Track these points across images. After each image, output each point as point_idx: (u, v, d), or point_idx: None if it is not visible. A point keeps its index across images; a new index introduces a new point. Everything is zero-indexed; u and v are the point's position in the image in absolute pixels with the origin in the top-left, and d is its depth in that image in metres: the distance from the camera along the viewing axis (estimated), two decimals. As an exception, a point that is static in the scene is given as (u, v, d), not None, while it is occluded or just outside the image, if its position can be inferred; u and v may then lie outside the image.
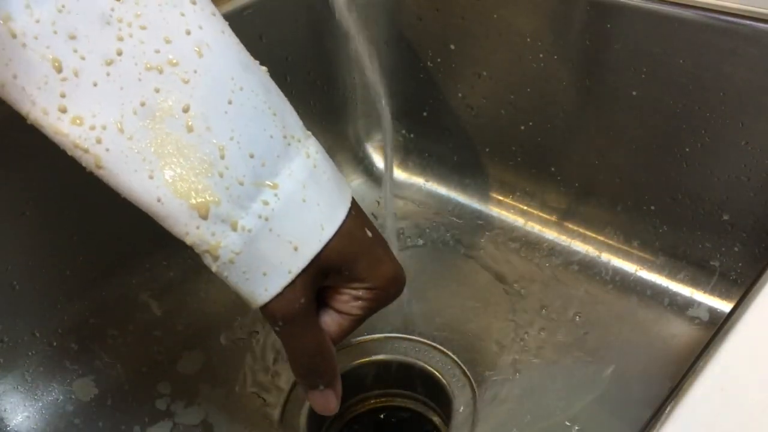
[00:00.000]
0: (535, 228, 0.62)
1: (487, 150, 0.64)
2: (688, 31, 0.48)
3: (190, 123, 0.29)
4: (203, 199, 0.29)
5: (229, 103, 0.30)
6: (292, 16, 0.60)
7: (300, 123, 0.33)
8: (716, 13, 0.47)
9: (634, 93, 0.52)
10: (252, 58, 0.32)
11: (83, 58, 0.28)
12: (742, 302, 0.29)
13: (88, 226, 0.52)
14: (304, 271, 0.32)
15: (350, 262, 0.33)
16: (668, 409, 0.25)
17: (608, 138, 0.56)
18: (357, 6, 0.63)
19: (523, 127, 0.60)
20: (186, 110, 0.29)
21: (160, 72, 0.29)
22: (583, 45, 0.53)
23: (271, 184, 0.31)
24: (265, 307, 0.32)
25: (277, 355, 0.54)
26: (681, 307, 0.55)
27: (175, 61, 0.29)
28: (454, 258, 0.61)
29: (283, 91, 0.33)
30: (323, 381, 0.36)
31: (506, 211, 0.64)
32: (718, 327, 0.28)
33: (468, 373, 0.51)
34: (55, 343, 0.51)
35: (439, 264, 0.61)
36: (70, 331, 0.52)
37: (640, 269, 0.57)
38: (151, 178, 0.29)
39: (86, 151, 0.28)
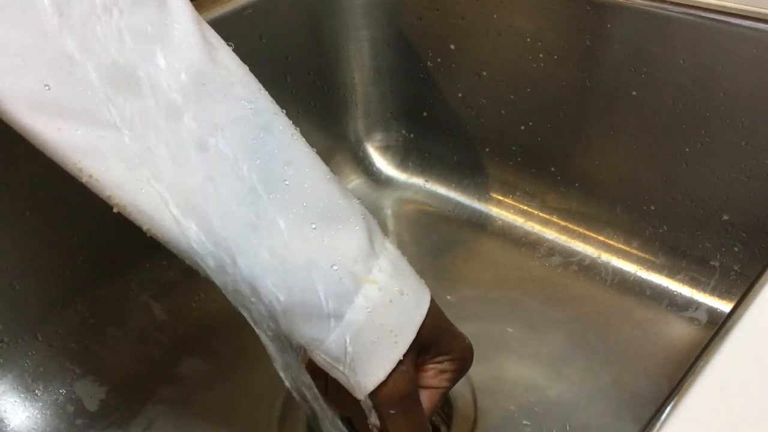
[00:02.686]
0: (535, 228, 0.62)
1: (487, 150, 0.64)
2: (688, 31, 0.48)
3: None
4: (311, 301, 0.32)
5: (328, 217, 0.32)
6: (292, 16, 0.60)
7: (375, 222, 0.35)
8: (716, 13, 0.47)
9: (634, 93, 0.52)
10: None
11: None
12: (742, 302, 0.29)
13: (88, 226, 0.52)
14: (405, 355, 0.34)
15: (437, 338, 0.36)
16: (668, 409, 0.25)
17: (608, 138, 0.56)
18: (357, 6, 0.63)
19: (523, 127, 0.60)
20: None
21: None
22: (583, 45, 0.53)
23: (369, 280, 0.33)
24: (374, 395, 0.34)
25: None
26: (681, 307, 0.55)
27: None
28: (454, 258, 0.61)
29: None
30: None
31: (506, 211, 0.64)
32: (718, 327, 0.28)
33: (468, 375, 0.51)
34: (55, 343, 0.51)
35: (439, 264, 0.61)
36: (70, 331, 0.52)
37: (640, 269, 0.57)
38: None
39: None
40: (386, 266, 0.34)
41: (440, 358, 0.37)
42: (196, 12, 0.32)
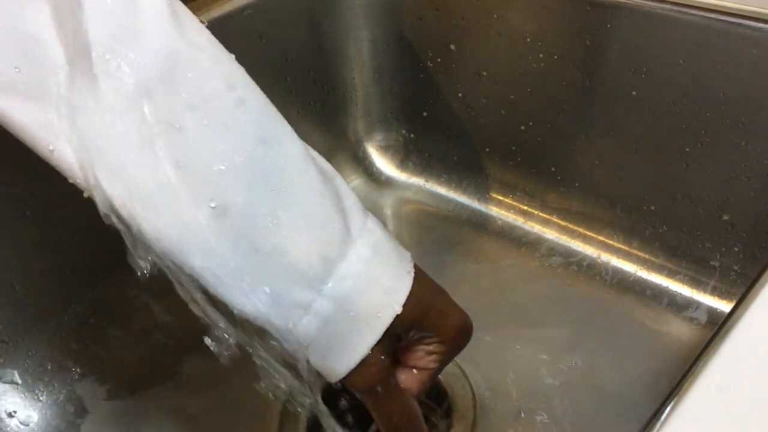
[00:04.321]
0: (535, 228, 0.62)
1: (487, 150, 0.64)
2: (688, 31, 0.48)
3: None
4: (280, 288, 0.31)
5: (299, 198, 0.31)
6: (292, 16, 0.60)
7: (358, 202, 0.34)
8: (716, 13, 0.47)
9: (634, 93, 0.52)
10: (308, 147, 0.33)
11: None
12: (742, 302, 0.29)
13: (88, 225, 0.52)
14: (380, 341, 0.33)
15: (419, 322, 0.34)
16: (668, 409, 0.25)
17: (608, 138, 0.56)
18: (357, 6, 0.63)
19: (523, 127, 0.60)
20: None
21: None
22: (583, 45, 0.53)
23: (341, 266, 0.32)
24: (345, 380, 0.33)
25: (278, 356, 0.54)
26: (680, 307, 0.55)
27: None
28: (454, 258, 0.61)
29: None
30: None
31: (506, 211, 0.64)
32: (718, 327, 0.28)
33: (468, 374, 0.51)
34: (55, 343, 0.51)
35: (439, 264, 0.61)
36: (70, 331, 0.52)
37: (640, 269, 0.57)
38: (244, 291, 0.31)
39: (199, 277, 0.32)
40: (364, 252, 0.32)
41: (428, 340, 0.36)
42: None
